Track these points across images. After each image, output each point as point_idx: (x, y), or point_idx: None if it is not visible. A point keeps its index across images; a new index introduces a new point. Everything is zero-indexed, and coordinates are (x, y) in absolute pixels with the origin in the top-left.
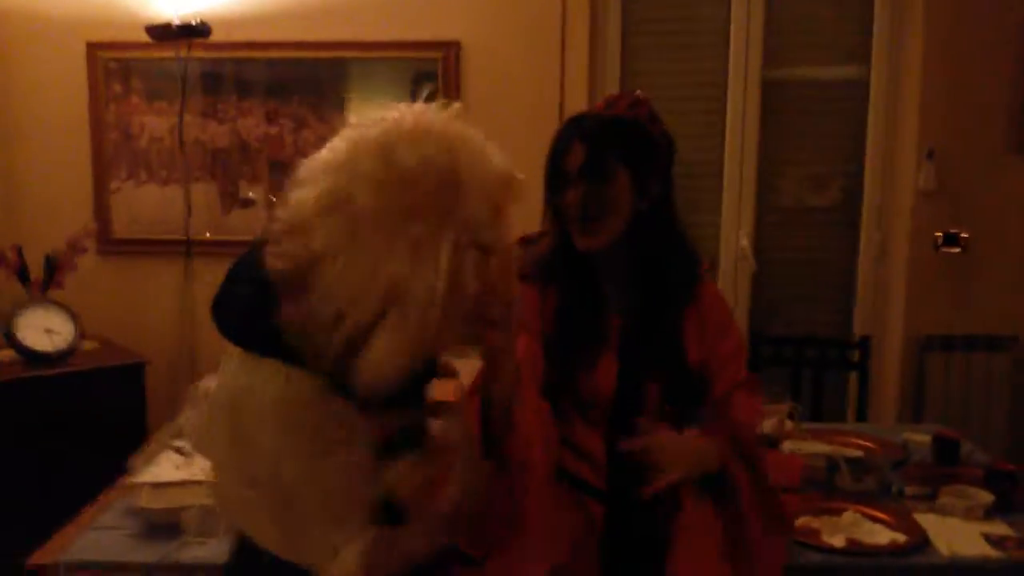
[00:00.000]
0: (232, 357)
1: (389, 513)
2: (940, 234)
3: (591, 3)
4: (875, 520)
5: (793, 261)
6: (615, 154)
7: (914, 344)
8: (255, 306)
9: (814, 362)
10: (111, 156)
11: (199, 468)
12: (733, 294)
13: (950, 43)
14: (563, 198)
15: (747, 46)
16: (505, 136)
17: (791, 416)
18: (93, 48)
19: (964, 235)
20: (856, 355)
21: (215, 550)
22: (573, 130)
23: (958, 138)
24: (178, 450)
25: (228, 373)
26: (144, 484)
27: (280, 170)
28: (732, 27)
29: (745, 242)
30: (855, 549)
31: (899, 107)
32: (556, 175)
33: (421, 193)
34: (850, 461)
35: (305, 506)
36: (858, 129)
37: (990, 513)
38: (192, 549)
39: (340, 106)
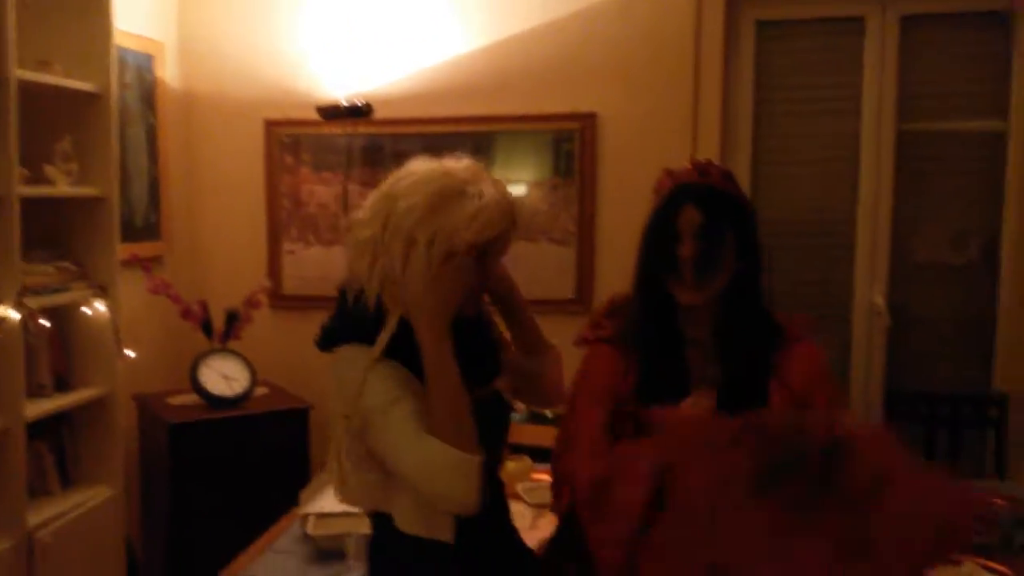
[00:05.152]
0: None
1: None
2: None
3: (724, 74)
4: (993, 572)
5: (932, 318)
6: (726, 218)
7: None
8: (331, 319)
9: (948, 419)
10: (283, 221)
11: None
12: (867, 350)
13: None
14: (671, 255)
15: (880, 99)
16: (637, 200)
17: None
18: (270, 125)
19: None
20: (994, 412)
21: None
22: (686, 195)
23: None
24: None
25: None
26: (311, 514)
27: None
28: (865, 82)
29: (879, 299)
30: None
31: None
32: (665, 235)
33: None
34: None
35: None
36: (997, 184)
37: None
38: (354, 572)
39: None
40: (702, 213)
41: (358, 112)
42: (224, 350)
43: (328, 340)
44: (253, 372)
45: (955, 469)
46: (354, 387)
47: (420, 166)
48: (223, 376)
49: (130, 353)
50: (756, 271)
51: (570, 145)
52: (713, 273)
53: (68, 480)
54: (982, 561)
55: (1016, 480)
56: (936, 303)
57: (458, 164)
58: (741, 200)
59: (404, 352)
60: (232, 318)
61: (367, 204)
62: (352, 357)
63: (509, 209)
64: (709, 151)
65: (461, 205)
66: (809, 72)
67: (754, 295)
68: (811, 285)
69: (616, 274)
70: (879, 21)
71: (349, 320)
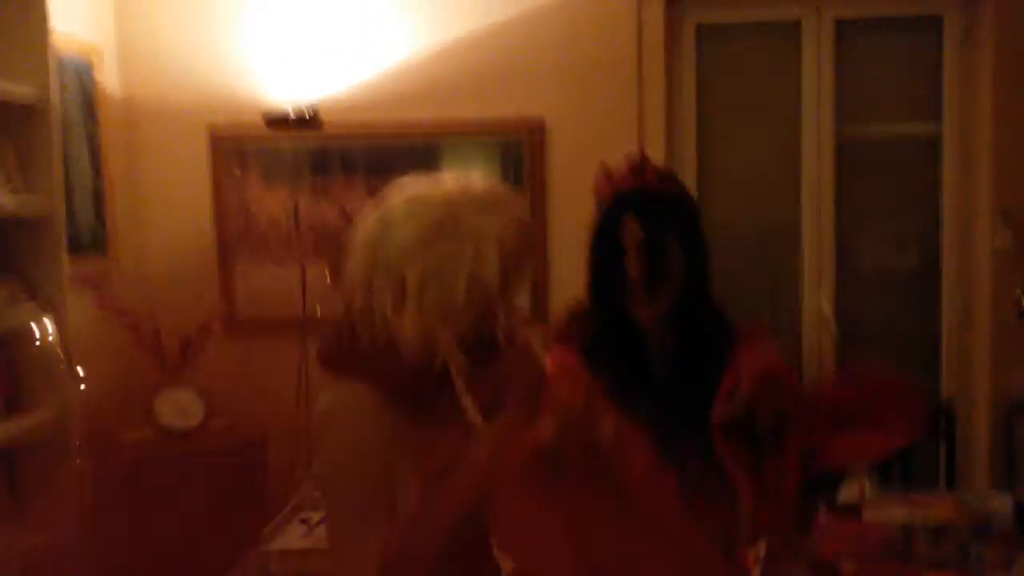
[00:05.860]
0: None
1: None
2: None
3: (667, 80)
4: None
5: (877, 326)
6: (667, 225)
7: (1003, 407)
8: (336, 338)
9: None
10: (233, 237)
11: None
12: (817, 361)
13: (1020, 97)
14: (620, 271)
15: (819, 103)
16: (588, 207)
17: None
18: (215, 134)
19: None
20: (943, 423)
21: None
22: (624, 206)
23: None
24: (303, 521)
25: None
26: (274, 551)
27: None
28: (803, 89)
29: (827, 306)
30: None
31: (972, 165)
32: (611, 251)
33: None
34: (927, 528)
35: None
36: (934, 190)
37: None
38: None
39: None
40: (643, 226)
41: (306, 124)
42: (178, 381)
43: (329, 364)
44: (208, 403)
45: (910, 477)
46: (336, 441)
47: (418, 188)
48: (177, 408)
49: (80, 371)
50: (704, 269)
51: (519, 153)
52: (663, 285)
53: (18, 513)
54: (940, 574)
55: (969, 487)
56: (883, 311)
57: (460, 189)
58: (682, 199)
59: (392, 381)
60: (185, 347)
61: (365, 219)
62: (348, 405)
63: (515, 246)
64: (655, 158)
65: (454, 247)
66: (750, 77)
67: (705, 292)
68: (759, 294)
69: (571, 283)
70: (815, 25)
71: (353, 348)
